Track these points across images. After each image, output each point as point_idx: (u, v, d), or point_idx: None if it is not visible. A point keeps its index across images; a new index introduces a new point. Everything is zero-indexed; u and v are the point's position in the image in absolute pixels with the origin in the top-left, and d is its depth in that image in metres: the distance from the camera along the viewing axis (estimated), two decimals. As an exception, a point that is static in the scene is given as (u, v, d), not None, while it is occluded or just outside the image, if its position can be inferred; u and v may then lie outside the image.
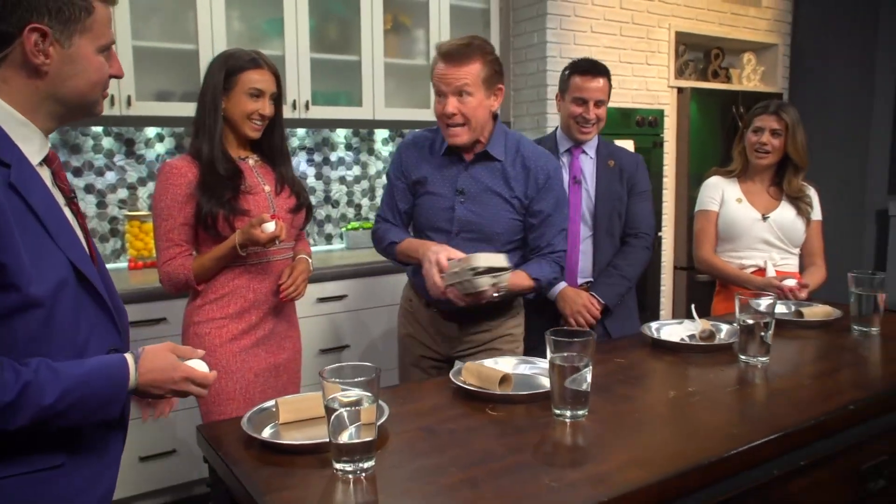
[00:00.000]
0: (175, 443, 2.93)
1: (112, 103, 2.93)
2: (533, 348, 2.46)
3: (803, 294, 2.40)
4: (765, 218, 2.57)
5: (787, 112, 2.53)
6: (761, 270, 2.56)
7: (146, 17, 3.11)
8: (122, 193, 3.35)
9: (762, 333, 1.74)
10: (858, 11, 5.84)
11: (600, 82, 2.45)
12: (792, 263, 2.63)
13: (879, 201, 6.29)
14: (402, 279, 3.40)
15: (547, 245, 2.10)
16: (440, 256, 1.89)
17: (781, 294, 2.36)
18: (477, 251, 2.05)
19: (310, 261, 2.17)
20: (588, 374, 1.38)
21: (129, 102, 2.98)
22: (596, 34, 4.10)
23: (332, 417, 1.12)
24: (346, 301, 3.29)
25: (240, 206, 1.95)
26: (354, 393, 1.14)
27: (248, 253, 1.95)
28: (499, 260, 1.78)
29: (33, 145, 1.18)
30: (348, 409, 1.11)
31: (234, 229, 1.93)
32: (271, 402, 1.41)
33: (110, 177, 3.32)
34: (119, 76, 1.28)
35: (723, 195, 2.64)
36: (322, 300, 3.20)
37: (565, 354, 1.37)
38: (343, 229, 3.94)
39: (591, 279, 2.52)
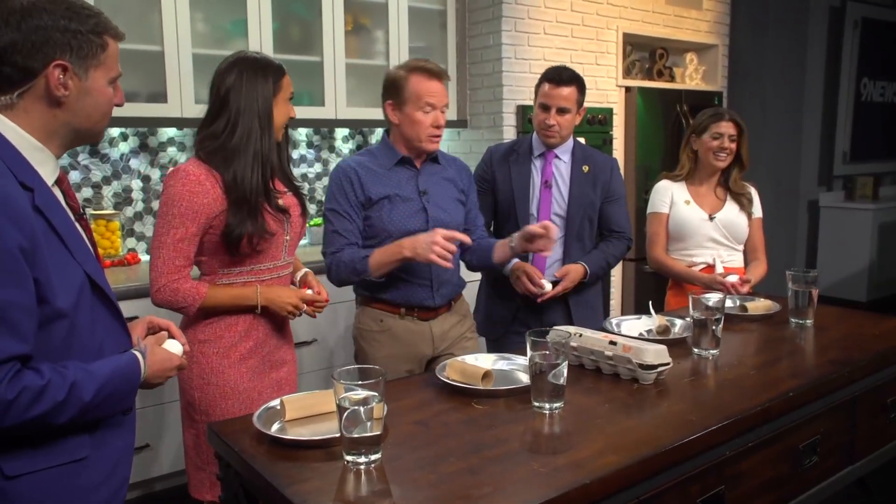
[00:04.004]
0: (148, 437, 3.00)
1: (81, 105, 2.96)
2: (494, 340, 2.65)
3: (745, 289, 2.62)
4: (711, 218, 2.77)
5: (739, 118, 2.76)
6: (710, 267, 2.77)
7: (110, 18, 3.13)
8: (87, 192, 3.38)
9: (713, 328, 1.92)
10: (790, 15, 6.17)
11: (564, 91, 2.53)
12: (737, 259, 2.85)
13: (811, 193, 6.67)
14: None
15: (479, 227, 2.46)
16: (436, 237, 2.03)
17: (725, 290, 2.57)
18: None
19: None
20: (564, 370, 1.53)
21: (96, 104, 3.01)
22: (549, 36, 4.26)
23: (346, 414, 1.25)
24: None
25: (269, 228, 1.90)
26: (362, 392, 1.27)
27: (261, 269, 1.96)
28: (664, 356, 1.74)
29: (48, 168, 1.28)
30: (362, 406, 1.24)
31: (254, 249, 1.89)
32: (276, 401, 1.53)
33: (74, 176, 3.33)
34: (121, 105, 1.38)
35: (672, 198, 2.83)
36: (290, 296, 3.29)
37: (544, 352, 1.52)
38: (306, 225, 4.02)
39: (558, 279, 2.67)
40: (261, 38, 3.46)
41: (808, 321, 2.26)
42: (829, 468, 1.85)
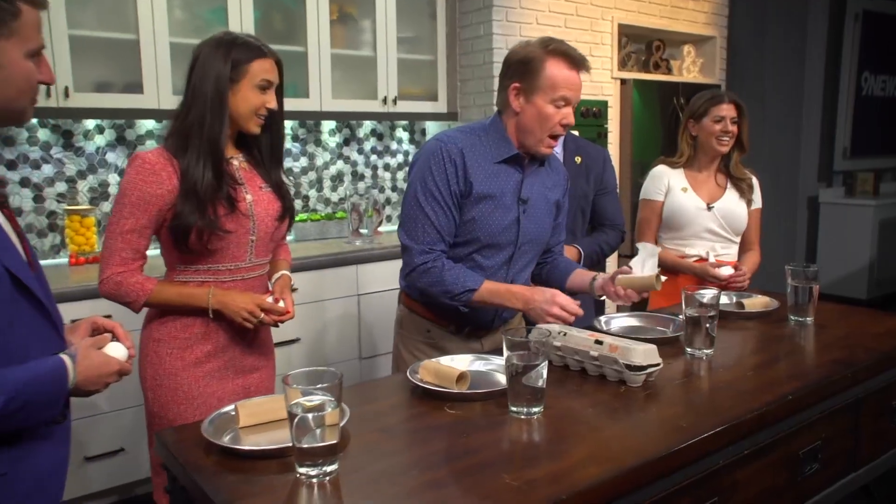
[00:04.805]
0: (122, 441, 2.88)
1: (48, 94, 2.84)
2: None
3: (746, 284, 2.51)
4: (709, 207, 2.65)
5: (740, 99, 2.65)
6: (702, 259, 2.65)
7: (83, 5, 3.00)
8: (61, 187, 3.25)
9: (707, 326, 1.80)
10: (789, 7, 6.05)
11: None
12: (732, 253, 2.72)
13: (811, 189, 6.55)
14: (349, 271, 3.42)
15: (558, 244, 2.19)
16: (554, 308, 1.79)
17: (718, 283, 2.46)
18: (530, 263, 2.05)
19: (290, 275, 2.00)
20: (544, 371, 1.41)
21: (66, 94, 2.89)
22: (541, 26, 4.14)
23: (296, 421, 1.13)
24: (296, 294, 3.26)
25: (222, 225, 1.75)
26: (317, 397, 1.15)
27: (220, 269, 1.81)
28: (653, 356, 1.61)
29: None
30: (312, 413, 1.12)
31: (204, 246, 1.75)
32: (231, 406, 1.41)
33: (47, 170, 3.21)
34: (49, 82, 1.23)
35: (668, 184, 2.71)
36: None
37: (522, 353, 1.40)
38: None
39: None
40: (241, 27, 3.34)
41: (808, 319, 2.14)
42: (831, 476, 1.73)
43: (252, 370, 1.93)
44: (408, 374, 1.61)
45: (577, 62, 1.87)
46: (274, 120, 1.88)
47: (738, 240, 2.73)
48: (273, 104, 1.82)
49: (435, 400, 1.52)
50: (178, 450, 1.28)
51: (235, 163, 1.86)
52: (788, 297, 2.17)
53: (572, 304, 1.80)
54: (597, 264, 2.62)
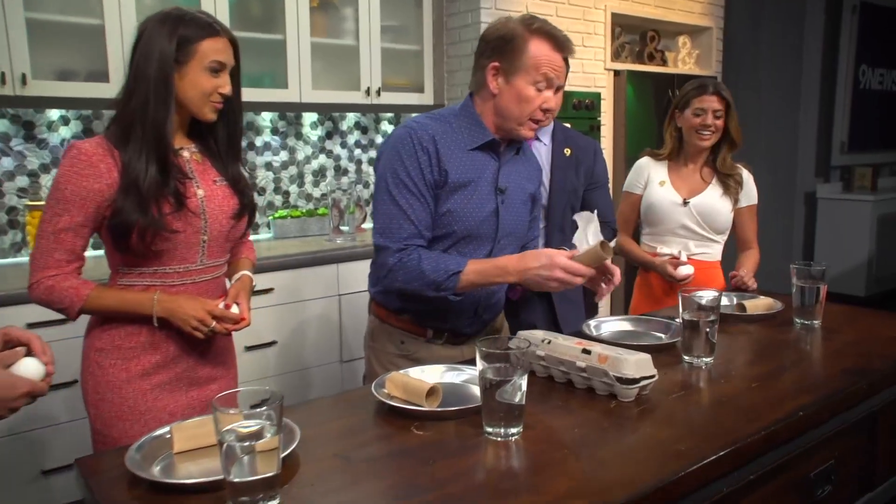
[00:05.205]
0: (83, 453, 2.70)
1: (3, 81, 2.66)
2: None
3: (753, 283, 2.35)
4: (685, 203, 2.48)
5: (725, 91, 2.45)
6: (675, 258, 2.48)
7: (45, -14, 2.84)
8: (22, 181, 3.07)
9: (707, 331, 1.63)
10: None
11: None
12: (712, 252, 2.55)
13: (808, 184, 6.40)
14: (329, 270, 3.25)
15: (533, 239, 2.02)
16: (556, 271, 1.59)
17: (675, 280, 2.36)
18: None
19: (252, 276, 1.81)
20: (523, 384, 1.24)
21: (23, 81, 2.71)
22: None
23: (224, 451, 0.96)
24: (273, 295, 3.10)
25: (168, 224, 1.57)
26: (255, 422, 0.98)
27: (167, 272, 1.63)
28: (647, 368, 1.43)
29: None
30: (241, 442, 0.95)
31: (148, 247, 1.57)
32: (166, 429, 1.23)
33: (7, 163, 3.03)
34: None
35: (648, 177, 2.55)
36: (245, 295, 3.00)
37: (497, 365, 1.23)
38: (270, 218, 3.73)
39: None
40: (215, 14, 3.14)
41: (815, 322, 1.97)
42: (845, 498, 1.56)
43: (209, 381, 1.74)
44: (372, 388, 1.43)
45: (562, 44, 1.73)
46: (231, 107, 1.70)
47: (719, 238, 2.55)
48: (227, 89, 1.64)
49: (402, 419, 1.34)
50: (96, 481, 1.10)
51: (186, 154, 1.68)
52: (794, 298, 2.01)
53: (577, 265, 1.59)
54: None
